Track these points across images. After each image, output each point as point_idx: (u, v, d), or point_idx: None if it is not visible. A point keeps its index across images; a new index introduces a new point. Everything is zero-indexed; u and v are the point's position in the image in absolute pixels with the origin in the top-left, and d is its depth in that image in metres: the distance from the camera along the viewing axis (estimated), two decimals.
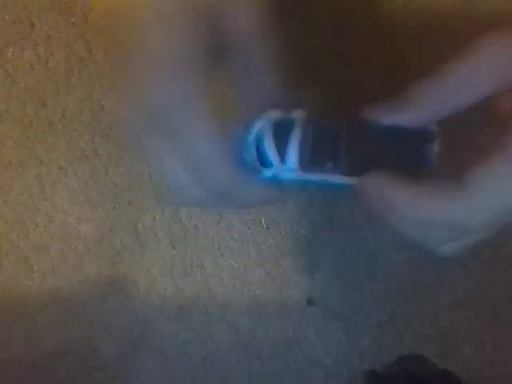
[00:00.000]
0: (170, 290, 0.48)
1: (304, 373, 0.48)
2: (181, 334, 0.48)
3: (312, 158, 0.26)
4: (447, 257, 0.26)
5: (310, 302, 0.47)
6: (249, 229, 0.47)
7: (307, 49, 0.43)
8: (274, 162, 0.26)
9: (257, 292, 0.47)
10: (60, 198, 0.47)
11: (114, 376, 0.48)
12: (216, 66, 0.25)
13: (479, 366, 0.47)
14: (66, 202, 0.47)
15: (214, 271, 0.47)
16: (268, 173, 0.27)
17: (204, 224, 0.47)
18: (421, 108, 0.24)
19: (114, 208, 0.47)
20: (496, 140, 0.23)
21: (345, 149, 0.26)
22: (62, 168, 0.47)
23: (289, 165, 0.26)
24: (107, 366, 0.48)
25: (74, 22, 0.45)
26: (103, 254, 0.47)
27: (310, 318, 0.47)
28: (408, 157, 0.26)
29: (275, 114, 0.26)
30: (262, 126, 0.26)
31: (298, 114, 0.26)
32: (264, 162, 0.27)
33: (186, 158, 0.24)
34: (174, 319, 0.48)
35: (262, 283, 0.47)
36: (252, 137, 0.26)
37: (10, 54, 0.46)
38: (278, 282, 0.47)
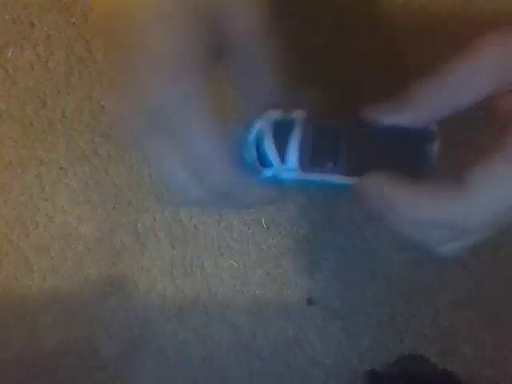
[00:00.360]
0: (170, 290, 0.48)
1: (304, 373, 0.48)
2: (181, 333, 0.48)
3: (312, 158, 0.26)
4: (447, 257, 0.26)
5: (310, 302, 0.47)
6: (249, 229, 0.47)
7: (307, 49, 0.43)
8: (274, 162, 0.26)
9: (257, 292, 0.47)
10: (60, 197, 0.47)
11: (114, 376, 0.48)
12: (216, 65, 0.25)
13: (479, 366, 0.47)
14: (66, 202, 0.47)
15: (213, 271, 0.47)
16: (268, 173, 0.27)
17: (204, 224, 0.47)
18: (421, 108, 0.24)
19: (114, 208, 0.47)
20: (496, 140, 0.23)
21: (345, 149, 0.26)
22: (61, 168, 0.47)
23: (289, 165, 0.26)
24: (107, 365, 0.48)
25: (74, 22, 0.45)
26: (103, 253, 0.47)
27: (310, 317, 0.47)
28: (408, 157, 0.26)
29: (275, 114, 0.26)
30: (262, 125, 0.26)
31: (298, 114, 0.26)
32: (264, 162, 0.26)
33: (186, 158, 0.24)
34: (174, 319, 0.48)
35: (262, 283, 0.47)
36: (252, 137, 0.26)
37: (10, 54, 0.46)
38: (278, 282, 0.47)
